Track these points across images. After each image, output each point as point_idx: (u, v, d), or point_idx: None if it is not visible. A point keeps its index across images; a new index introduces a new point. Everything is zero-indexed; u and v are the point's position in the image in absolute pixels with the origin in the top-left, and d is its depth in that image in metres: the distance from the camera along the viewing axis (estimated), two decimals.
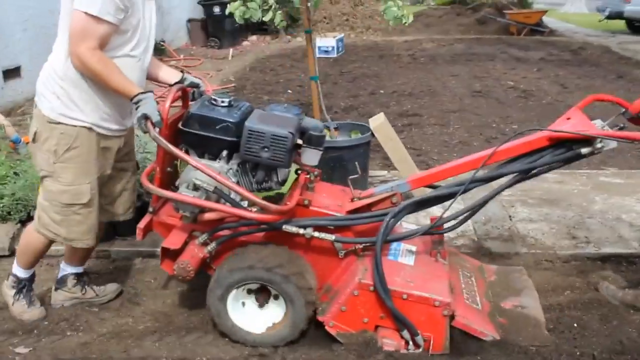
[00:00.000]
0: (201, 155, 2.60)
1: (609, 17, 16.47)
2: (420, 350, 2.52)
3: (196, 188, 2.49)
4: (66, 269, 3.06)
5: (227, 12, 4.24)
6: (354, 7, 14.46)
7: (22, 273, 2.94)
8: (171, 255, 2.59)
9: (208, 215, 2.54)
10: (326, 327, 2.58)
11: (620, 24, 16.89)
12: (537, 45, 12.69)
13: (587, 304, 3.01)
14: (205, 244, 2.58)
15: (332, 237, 2.58)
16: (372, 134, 3.99)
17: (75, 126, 2.55)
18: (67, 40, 2.44)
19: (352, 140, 3.92)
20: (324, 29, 13.41)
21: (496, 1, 16.20)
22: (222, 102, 2.59)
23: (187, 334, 2.82)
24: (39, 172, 2.69)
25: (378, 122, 3.96)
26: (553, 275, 3.31)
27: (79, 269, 3.08)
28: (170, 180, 2.69)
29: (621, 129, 2.51)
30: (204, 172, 2.42)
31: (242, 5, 4.00)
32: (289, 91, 8.10)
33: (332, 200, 2.74)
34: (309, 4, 4.23)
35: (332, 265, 2.67)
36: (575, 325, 2.82)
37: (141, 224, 2.63)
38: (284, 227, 2.54)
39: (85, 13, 2.32)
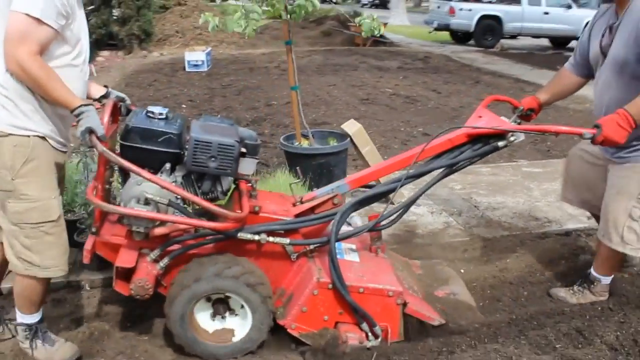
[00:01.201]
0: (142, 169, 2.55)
1: (437, 29, 18.55)
2: (379, 340, 2.71)
3: (147, 202, 2.49)
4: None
5: None
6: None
7: (29, 319, 2.71)
8: (123, 275, 2.59)
9: (160, 230, 2.55)
10: (288, 330, 2.67)
11: (446, 35, 19.09)
12: (387, 55, 13.84)
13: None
14: (156, 260, 2.59)
15: (286, 240, 2.70)
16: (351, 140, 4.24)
17: (28, 136, 2.40)
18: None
19: (337, 146, 4.15)
20: (176, 43, 13.23)
21: (339, 14, 17.30)
22: (160, 114, 2.64)
23: None
24: None
25: (355, 129, 4.23)
26: (544, 251, 3.84)
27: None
28: (107, 197, 2.72)
29: (519, 124, 3.03)
30: (161, 185, 2.44)
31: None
32: (183, 106, 7.98)
33: (277, 205, 2.84)
34: (289, 17, 4.34)
35: (284, 269, 2.78)
36: None
37: (87, 246, 2.56)
38: (239, 234, 2.62)
39: (27, 15, 2.21)
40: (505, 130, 2.70)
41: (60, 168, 2.60)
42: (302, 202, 2.84)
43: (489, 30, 17.90)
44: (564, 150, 5.86)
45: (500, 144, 2.71)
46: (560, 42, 19.04)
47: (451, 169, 2.80)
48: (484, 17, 17.66)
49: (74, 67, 2.48)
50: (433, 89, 9.68)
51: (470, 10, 17.53)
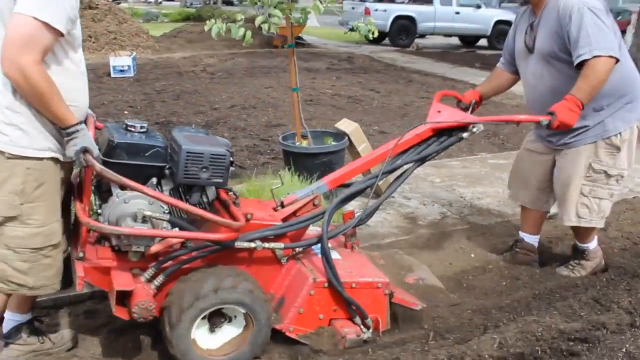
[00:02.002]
0: (123, 187, 2.53)
1: (352, 30, 19.09)
2: (371, 330, 2.82)
3: (145, 220, 2.45)
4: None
5: None
6: (119, 24, 14.11)
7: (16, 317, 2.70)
8: (121, 299, 2.52)
9: (156, 247, 2.52)
10: (287, 334, 2.71)
11: (360, 35, 19.70)
12: (310, 57, 14.13)
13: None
14: (150, 279, 2.55)
15: (281, 245, 2.75)
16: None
17: (42, 159, 2.33)
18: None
19: (338, 144, 4.32)
20: (90, 49, 12.83)
21: (252, 16, 17.37)
22: (142, 127, 2.62)
23: None
24: None
25: (352, 127, 4.42)
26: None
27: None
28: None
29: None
30: (166, 201, 2.47)
31: None
32: (125, 112, 7.82)
33: (262, 212, 2.86)
34: (291, 21, 4.43)
35: (274, 274, 2.82)
36: None
37: (80, 273, 2.46)
38: (236, 244, 2.61)
39: (34, 18, 2.10)
40: (468, 122, 2.96)
41: (63, 182, 2.53)
42: (283, 206, 2.88)
43: (403, 30, 18.71)
44: (516, 143, 6.34)
45: (465, 135, 2.96)
46: (469, 41, 20.22)
47: (421, 162, 3.01)
48: (398, 18, 18.44)
49: (82, 74, 2.45)
50: (371, 88, 10.04)
51: (385, 10, 18.24)
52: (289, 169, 4.14)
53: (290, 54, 4.62)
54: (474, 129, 2.96)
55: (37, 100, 2.22)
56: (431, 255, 3.78)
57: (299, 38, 16.47)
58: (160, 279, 2.55)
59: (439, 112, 3.13)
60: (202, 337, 2.63)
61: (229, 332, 2.69)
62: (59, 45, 2.26)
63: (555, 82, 3.19)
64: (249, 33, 4.28)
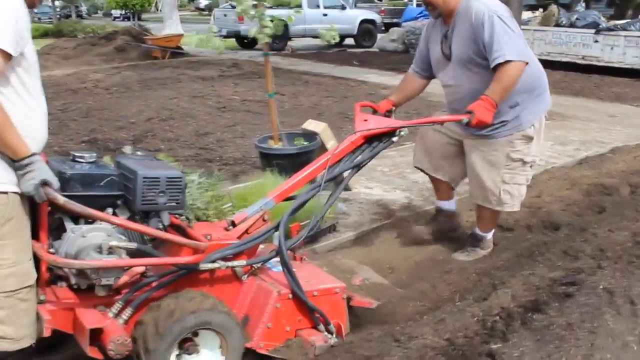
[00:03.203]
0: (76, 221, 2.48)
1: (226, 37, 19.22)
2: (334, 336, 2.88)
3: (111, 251, 2.43)
4: None
5: None
6: None
7: None
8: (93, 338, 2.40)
9: (123, 279, 2.48)
10: (257, 350, 2.70)
11: (232, 42, 19.88)
12: (196, 66, 14.12)
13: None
14: (118, 314, 2.49)
15: (243, 262, 2.75)
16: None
17: (7, 192, 2.17)
18: None
19: (315, 143, 4.57)
20: None
21: (130, 29, 16.97)
22: (90, 156, 2.57)
23: None
24: None
25: (321, 127, 4.71)
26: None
27: None
28: None
29: None
30: (135, 230, 2.48)
31: None
32: None
33: (216, 232, 2.83)
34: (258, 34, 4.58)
35: (235, 293, 2.81)
36: None
37: (48, 317, 2.34)
38: (201, 265, 2.59)
39: None
40: (398, 127, 3.19)
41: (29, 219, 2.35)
42: (234, 225, 2.85)
43: (277, 34, 19.10)
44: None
45: (394, 139, 3.20)
46: (337, 41, 21.08)
47: (358, 168, 3.19)
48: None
49: (38, 104, 2.28)
50: (275, 92, 10.32)
51: None
52: (271, 171, 4.35)
53: (265, 61, 4.81)
54: (402, 133, 3.19)
55: None
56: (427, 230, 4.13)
57: (179, 48, 16.36)
58: (128, 312, 2.48)
59: (366, 120, 3.33)
60: None
61: (201, 357, 2.60)
62: (11, 69, 2.11)
63: (474, 84, 3.47)
64: (222, 44, 4.41)
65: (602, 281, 3.18)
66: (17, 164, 2.15)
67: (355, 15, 20.08)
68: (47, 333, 2.31)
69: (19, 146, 2.12)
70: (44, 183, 2.16)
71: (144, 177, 2.51)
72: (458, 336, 2.78)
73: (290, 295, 2.78)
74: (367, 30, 21.01)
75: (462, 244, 4.04)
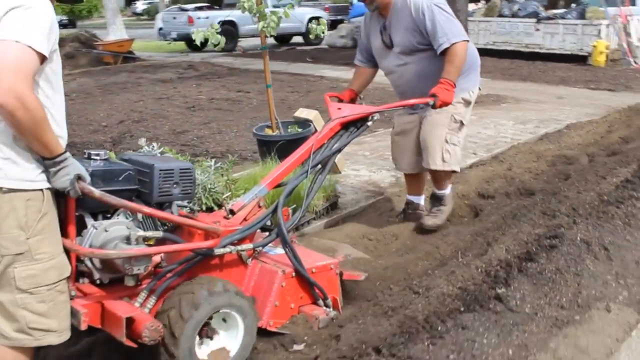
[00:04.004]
0: (95, 217, 2.56)
1: (176, 40, 19.29)
2: (332, 309, 3.08)
3: (143, 240, 2.53)
4: None
5: None
6: None
7: None
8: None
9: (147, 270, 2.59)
10: (268, 329, 2.86)
11: (182, 44, 19.95)
12: (152, 69, 14.22)
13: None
14: (143, 304, 2.59)
15: (250, 245, 2.91)
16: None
17: (41, 189, 2.22)
18: None
19: (308, 130, 4.92)
20: None
21: (78, 35, 16.85)
22: (105, 154, 2.63)
23: None
24: None
25: (313, 114, 5.07)
26: (474, 177, 5.22)
27: None
28: None
29: None
30: (167, 219, 2.66)
31: None
32: None
33: (219, 219, 2.97)
34: (263, 28, 4.86)
35: (241, 276, 2.95)
36: None
37: (84, 310, 2.42)
38: (215, 250, 2.75)
39: (18, 42, 2.02)
40: (372, 112, 3.46)
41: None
42: (233, 213, 2.98)
43: (227, 35, 19.25)
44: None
45: (369, 123, 3.48)
46: (285, 39, 21.44)
47: (338, 152, 3.43)
48: (221, 23, 18.97)
49: (62, 105, 2.32)
50: (237, 90, 10.63)
51: (207, 17, 18.68)
52: (271, 158, 4.67)
53: (264, 55, 5.12)
54: (375, 118, 3.47)
55: (30, 129, 2.07)
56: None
57: (131, 52, 16.38)
58: (151, 301, 2.58)
59: (339, 109, 3.56)
60: (197, 349, 2.64)
61: (219, 340, 2.73)
62: (42, 72, 2.16)
63: (418, 67, 3.89)
64: (223, 39, 4.71)
65: (579, 234, 3.67)
66: (51, 161, 2.18)
67: (304, 13, 20.44)
68: (84, 326, 2.38)
69: (54, 144, 2.15)
70: (78, 178, 2.22)
71: (160, 170, 2.61)
72: (468, 285, 3.20)
73: (294, 274, 2.95)
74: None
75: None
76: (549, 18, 14.93)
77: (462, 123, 4.06)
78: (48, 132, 2.12)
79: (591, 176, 5.05)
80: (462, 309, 2.93)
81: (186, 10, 19.07)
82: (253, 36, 20.31)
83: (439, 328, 2.73)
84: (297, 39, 21.31)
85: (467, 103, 4.08)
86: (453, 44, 3.69)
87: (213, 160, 4.28)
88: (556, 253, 3.46)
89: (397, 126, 4.32)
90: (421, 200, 4.45)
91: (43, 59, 2.09)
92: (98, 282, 2.55)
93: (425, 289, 3.22)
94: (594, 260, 3.49)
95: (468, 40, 3.81)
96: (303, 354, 2.76)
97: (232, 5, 20.95)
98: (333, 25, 22.60)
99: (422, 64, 3.88)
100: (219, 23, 17.58)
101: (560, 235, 3.68)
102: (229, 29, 19.23)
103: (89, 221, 2.49)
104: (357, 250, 3.89)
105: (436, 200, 4.28)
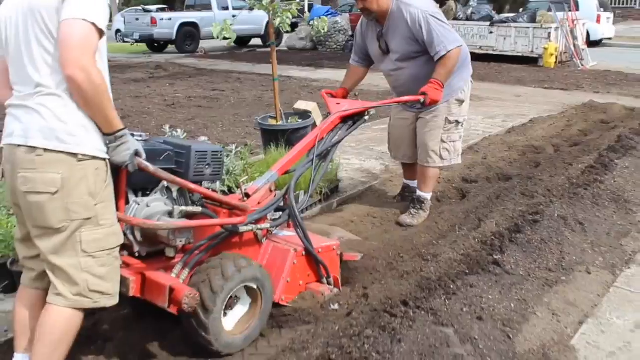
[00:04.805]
0: (135, 193, 2.71)
1: (139, 41, 19.30)
2: (333, 286, 3.29)
3: (185, 215, 2.72)
4: None
5: None
6: None
7: None
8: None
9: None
10: (280, 303, 3.05)
11: (143, 46, 19.97)
12: (122, 69, 14.25)
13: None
14: (178, 275, 2.74)
15: (267, 225, 3.12)
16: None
17: (104, 159, 2.34)
18: (54, 57, 2.22)
19: (309, 120, 5.29)
20: None
21: None
22: (145, 135, 2.76)
23: None
24: (59, 225, 2.28)
25: (312, 106, 5.43)
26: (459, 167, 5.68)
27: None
28: None
29: None
30: (208, 196, 2.85)
31: None
32: None
33: (235, 201, 3.09)
34: (274, 22, 5.17)
35: (256, 254, 3.12)
36: None
37: (133, 277, 2.62)
38: (241, 228, 2.94)
39: (87, 22, 2.17)
40: (370, 107, 3.74)
41: None
42: (248, 196, 3.13)
43: (188, 37, 19.47)
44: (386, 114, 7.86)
45: (366, 117, 3.76)
46: (244, 41, 21.67)
47: (338, 143, 3.65)
48: (183, 25, 19.15)
49: (107, 73, 2.41)
50: (213, 89, 10.90)
51: (170, 19, 18.82)
52: (276, 146, 5.01)
53: (272, 50, 5.41)
54: (371, 112, 3.78)
55: (95, 102, 2.19)
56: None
57: None
58: (185, 273, 2.75)
59: (339, 104, 3.82)
60: (223, 318, 2.79)
61: (239, 311, 2.90)
62: (98, 49, 2.25)
63: (413, 71, 4.16)
64: (234, 34, 5.00)
65: (556, 211, 4.19)
66: (111, 136, 2.28)
67: (263, 16, 20.66)
68: (132, 292, 2.56)
69: (115, 118, 2.27)
70: (136, 154, 2.33)
71: (196, 151, 2.78)
72: (469, 252, 3.65)
73: (304, 252, 3.15)
74: (274, 31, 21.66)
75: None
76: (502, 21, 15.72)
77: (457, 122, 4.38)
78: (110, 105, 2.24)
79: (559, 163, 5.61)
80: (467, 271, 3.36)
81: (149, 11, 19.10)
82: (214, 38, 20.55)
83: (451, 286, 3.15)
84: (256, 41, 21.53)
85: (460, 102, 4.36)
86: (449, 51, 3.96)
87: (234, 145, 4.60)
88: (539, 227, 3.96)
89: (393, 121, 4.71)
90: (415, 183, 4.84)
91: (101, 35, 2.23)
92: (137, 254, 2.70)
93: (433, 256, 3.65)
94: (572, 232, 4.01)
95: (462, 45, 4.09)
96: (340, 312, 3.13)
97: (192, 7, 21.22)
98: (292, 27, 22.96)
99: (417, 69, 4.15)
100: (180, 25, 17.89)
101: (541, 212, 4.18)
102: (191, 31, 19.42)
103: (131, 197, 2.65)
104: (349, 234, 4.15)
105: (418, 202, 4.51)
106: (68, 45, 2.14)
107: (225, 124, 7.87)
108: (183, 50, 18.97)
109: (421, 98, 3.90)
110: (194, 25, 19.36)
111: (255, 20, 20.63)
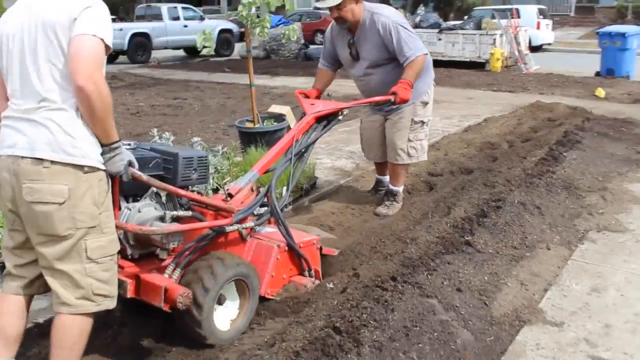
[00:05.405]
0: (127, 200, 2.82)
1: None
2: (314, 279, 3.50)
3: (176, 219, 2.86)
4: None
5: None
6: None
7: None
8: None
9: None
10: (266, 296, 3.24)
11: None
12: None
13: None
14: (171, 274, 2.88)
15: (251, 223, 3.26)
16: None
17: (105, 170, 2.46)
18: (62, 73, 2.33)
19: (285, 122, 5.62)
20: None
21: None
22: (134, 143, 2.88)
23: None
24: (65, 232, 2.38)
25: (286, 110, 5.77)
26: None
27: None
28: None
29: None
30: (199, 201, 3.05)
31: None
32: None
33: (218, 201, 3.26)
34: (249, 31, 5.46)
35: (241, 251, 3.25)
36: None
37: (130, 279, 2.74)
38: (227, 228, 3.09)
39: (95, 36, 2.30)
40: (344, 107, 3.95)
41: None
42: (231, 196, 3.28)
43: (140, 47, 19.52)
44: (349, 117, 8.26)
45: (340, 117, 3.96)
46: (196, 51, 21.74)
47: (314, 143, 3.85)
48: (135, 35, 19.18)
49: None
50: (174, 97, 11.09)
51: (121, 29, 18.79)
52: (255, 147, 5.32)
53: (248, 57, 5.70)
54: (345, 112, 3.99)
55: (101, 114, 2.31)
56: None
57: None
58: (177, 273, 2.88)
59: (313, 104, 3.99)
60: (215, 314, 2.94)
61: (229, 306, 3.06)
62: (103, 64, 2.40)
63: (382, 77, 4.47)
64: (213, 44, 5.29)
65: (516, 198, 4.66)
66: (107, 147, 2.40)
67: (214, 26, 20.95)
68: (130, 294, 2.70)
69: (114, 130, 2.39)
70: (129, 164, 2.47)
71: (184, 158, 2.90)
72: (444, 234, 4.06)
73: (286, 248, 3.35)
74: (225, 40, 21.95)
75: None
76: (449, 29, 16.44)
77: (422, 122, 4.75)
78: (111, 119, 2.36)
79: (514, 157, 6.12)
80: (443, 251, 3.75)
81: None
82: (165, 47, 20.66)
83: (431, 264, 3.54)
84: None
85: (424, 104, 4.73)
86: (417, 56, 4.32)
87: (221, 146, 4.90)
88: (502, 212, 4.41)
89: (364, 124, 5.06)
90: (387, 178, 5.18)
91: (108, 51, 2.37)
92: (130, 257, 2.82)
93: (412, 240, 4.04)
94: (531, 215, 4.48)
95: (427, 53, 4.48)
96: (335, 290, 3.46)
97: (142, 18, 21.25)
98: (242, 37, 23.17)
99: (386, 75, 4.46)
100: (132, 35, 17.91)
101: (503, 199, 4.63)
102: (143, 41, 19.47)
103: (122, 203, 2.74)
104: (324, 232, 4.37)
105: (391, 195, 4.91)
106: (80, 58, 2.25)
107: (194, 130, 8.11)
108: (135, 61, 18.99)
109: (391, 97, 4.17)
110: (145, 35, 19.42)
111: (207, 29, 20.75)
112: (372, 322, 2.91)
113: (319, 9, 19.03)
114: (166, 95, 11.43)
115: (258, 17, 5.42)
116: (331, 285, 3.51)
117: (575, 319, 3.20)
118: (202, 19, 21.11)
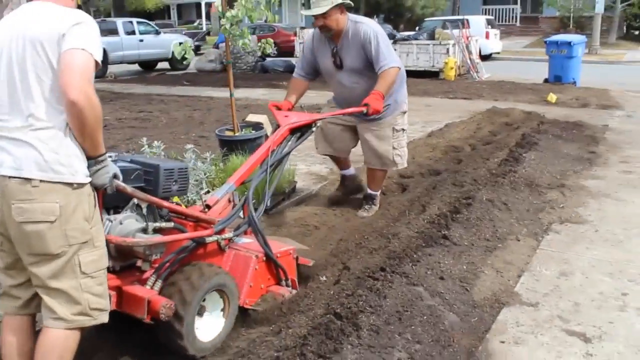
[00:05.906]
0: (108, 212, 2.82)
1: None
2: (291, 288, 3.52)
3: (157, 231, 2.86)
4: None
5: None
6: None
7: None
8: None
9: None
10: (244, 306, 3.25)
11: None
12: None
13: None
14: (152, 285, 2.90)
15: (230, 234, 3.29)
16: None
17: (90, 184, 2.44)
18: (50, 88, 2.31)
19: (263, 131, 5.86)
20: None
21: None
22: (117, 155, 2.93)
23: None
24: (59, 250, 2.36)
25: (262, 118, 6.01)
26: None
27: None
28: None
29: None
30: (181, 212, 3.07)
31: None
32: None
33: (197, 212, 3.26)
34: (236, 43, 5.65)
35: (219, 262, 3.28)
36: None
37: (112, 292, 2.71)
38: (207, 239, 3.14)
39: (84, 50, 2.28)
40: (317, 119, 4.11)
41: None
42: (209, 208, 3.33)
43: None
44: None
45: (313, 128, 4.05)
46: (151, 65, 21.79)
47: (288, 154, 3.93)
48: None
49: None
50: (139, 110, 11.17)
51: None
52: (235, 155, 5.53)
53: (228, 68, 5.90)
54: (318, 124, 4.13)
55: (92, 127, 2.30)
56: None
57: None
58: (158, 284, 2.90)
59: (286, 116, 4.05)
60: (196, 325, 2.96)
61: (209, 317, 3.08)
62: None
63: (366, 86, 4.51)
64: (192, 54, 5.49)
65: (484, 195, 5.02)
66: (94, 159, 2.39)
67: (170, 39, 20.95)
68: (112, 306, 2.68)
69: (101, 143, 2.40)
70: (114, 176, 2.46)
71: (164, 169, 2.95)
72: (422, 230, 4.38)
73: (264, 258, 3.39)
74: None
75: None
76: (404, 39, 16.97)
77: (403, 130, 4.97)
78: (100, 132, 2.36)
79: (478, 159, 6.52)
80: (424, 244, 4.07)
81: None
82: (121, 62, 20.55)
83: (414, 256, 3.85)
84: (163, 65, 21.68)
85: (403, 114, 4.97)
86: (391, 67, 4.44)
87: (209, 152, 5.11)
88: (473, 208, 4.76)
89: (335, 119, 4.92)
90: (352, 170, 5.30)
91: (97, 66, 2.35)
92: (111, 269, 2.78)
93: (393, 235, 4.34)
94: (499, 211, 4.85)
95: (401, 67, 4.63)
96: (328, 282, 3.72)
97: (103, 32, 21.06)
98: (196, 50, 23.28)
99: (369, 84, 4.50)
100: None
101: (472, 197, 4.99)
102: None
103: (105, 215, 2.73)
104: (298, 244, 4.32)
105: (370, 199, 5.11)
106: (72, 71, 2.22)
107: (166, 141, 8.17)
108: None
109: (364, 109, 4.29)
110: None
111: (162, 44, 20.77)
112: (368, 308, 3.19)
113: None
114: (131, 108, 11.49)
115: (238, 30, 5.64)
116: (324, 278, 3.77)
117: (548, 300, 3.55)
118: (157, 33, 21.10)
